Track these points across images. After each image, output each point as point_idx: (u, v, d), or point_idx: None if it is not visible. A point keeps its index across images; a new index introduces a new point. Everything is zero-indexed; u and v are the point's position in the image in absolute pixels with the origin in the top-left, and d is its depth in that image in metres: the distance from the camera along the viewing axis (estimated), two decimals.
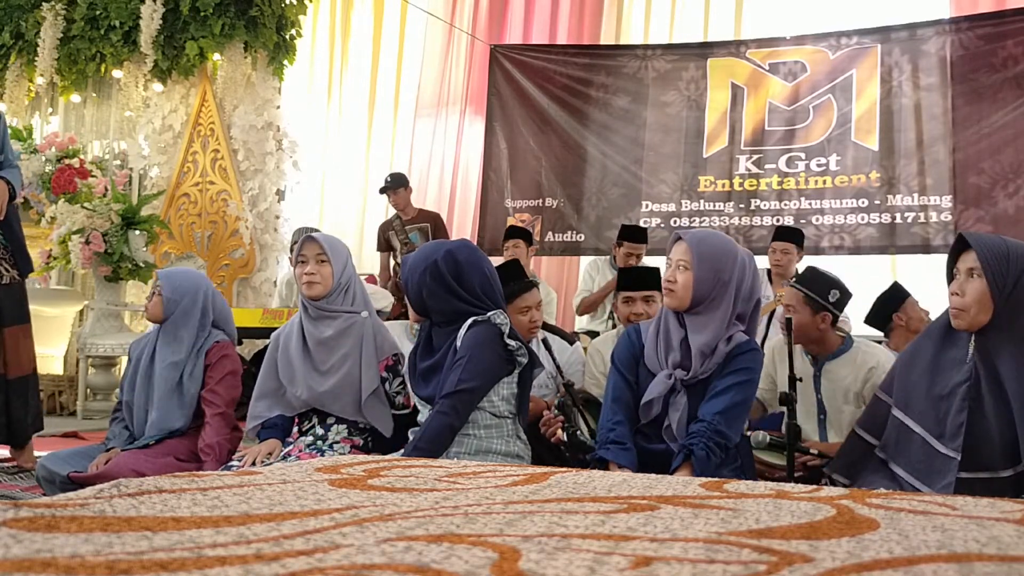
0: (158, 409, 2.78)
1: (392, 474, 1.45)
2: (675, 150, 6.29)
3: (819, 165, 5.95)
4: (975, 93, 5.59)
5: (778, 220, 5.89)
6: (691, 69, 6.33)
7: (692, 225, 6.13)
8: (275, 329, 2.79)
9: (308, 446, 2.52)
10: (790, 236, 4.47)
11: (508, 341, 2.27)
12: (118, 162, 6.45)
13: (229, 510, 1.01)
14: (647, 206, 6.28)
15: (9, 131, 3.78)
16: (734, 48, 6.30)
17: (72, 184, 5.57)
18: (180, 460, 2.71)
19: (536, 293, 2.86)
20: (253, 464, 2.40)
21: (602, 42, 6.97)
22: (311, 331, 2.60)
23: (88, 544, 0.79)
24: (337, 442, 2.54)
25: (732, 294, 2.17)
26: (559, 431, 2.47)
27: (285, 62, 6.16)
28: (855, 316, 4.59)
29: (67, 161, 5.75)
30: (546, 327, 3.44)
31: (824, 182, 5.92)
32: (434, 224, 5.66)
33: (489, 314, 2.28)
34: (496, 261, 2.74)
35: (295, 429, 2.62)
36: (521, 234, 5.05)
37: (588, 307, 5.00)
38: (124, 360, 4.80)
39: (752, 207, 6.06)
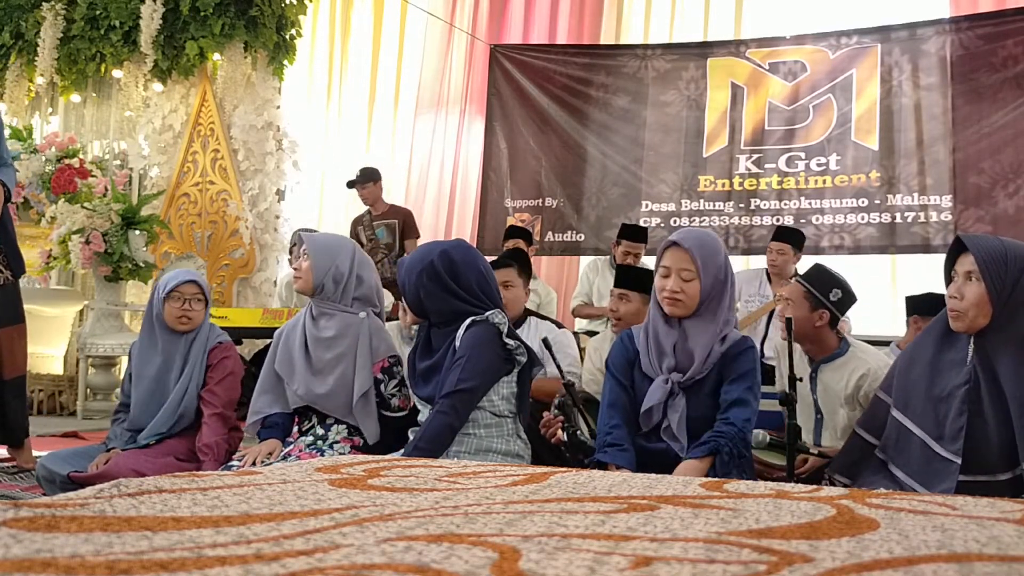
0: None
1: (392, 474, 1.45)
2: (675, 150, 6.30)
3: (819, 165, 5.95)
4: (975, 93, 5.60)
5: (778, 220, 5.89)
6: (691, 69, 6.33)
7: (692, 225, 6.13)
8: (275, 329, 2.80)
9: (308, 446, 2.52)
10: (787, 236, 4.47)
11: (507, 340, 2.28)
12: (118, 162, 6.45)
13: (229, 510, 1.01)
14: (647, 206, 6.29)
15: (7, 131, 3.77)
16: (734, 48, 6.30)
17: (72, 184, 5.57)
18: (180, 460, 2.71)
19: (508, 272, 2.88)
20: (253, 464, 2.41)
21: (602, 42, 6.97)
22: (311, 330, 2.61)
23: (88, 544, 0.79)
24: (337, 442, 2.55)
25: (729, 290, 2.17)
26: (559, 431, 2.47)
27: (285, 62, 6.15)
28: (855, 316, 4.59)
29: (67, 161, 5.75)
30: (537, 316, 3.45)
31: (824, 182, 5.92)
32: (403, 221, 5.56)
33: (487, 314, 2.28)
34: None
35: (295, 429, 2.62)
36: (521, 234, 5.04)
37: (585, 316, 5.00)
38: (124, 360, 4.81)
39: (752, 207, 6.06)
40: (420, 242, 7.23)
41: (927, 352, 2.06)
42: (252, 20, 5.85)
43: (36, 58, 6.20)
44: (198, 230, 5.96)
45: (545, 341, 2.69)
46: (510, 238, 4.97)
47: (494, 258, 3.26)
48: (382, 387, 2.59)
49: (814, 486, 1.54)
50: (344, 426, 2.57)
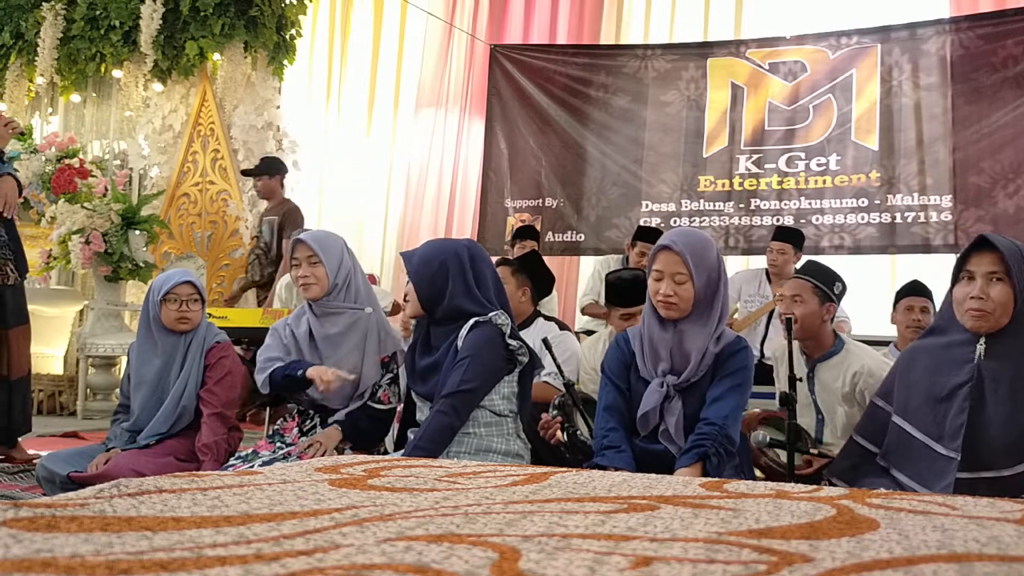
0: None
1: (392, 474, 1.45)
2: (675, 150, 6.29)
3: (819, 165, 5.95)
4: (975, 93, 5.59)
5: (778, 220, 5.89)
6: (691, 69, 6.33)
7: (692, 225, 6.13)
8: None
9: (309, 446, 2.52)
10: (788, 236, 4.47)
11: (509, 341, 2.28)
12: (118, 162, 6.45)
13: (229, 510, 1.01)
14: (647, 206, 6.29)
15: None
16: (734, 48, 6.30)
17: (72, 184, 5.57)
18: (180, 460, 2.70)
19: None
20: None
21: (602, 42, 6.97)
22: (318, 328, 2.61)
23: (88, 544, 0.79)
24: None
25: (722, 289, 2.16)
26: (558, 432, 2.47)
27: (285, 62, 6.16)
28: (855, 316, 4.60)
29: (67, 161, 5.75)
30: (544, 317, 3.46)
31: (824, 182, 5.92)
32: (284, 218, 5.16)
33: (491, 315, 2.28)
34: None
35: (295, 430, 2.62)
36: (532, 234, 5.06)
37: (593, 314, 5.00)
38: (124, 360, 4.80)
39: (752, 207, 6.06)
40: (413, 243, 7.24)
41: (929, 353, 2.04)
42: (252, 20, 5.86)
43: (36, 58, 6.20)
44: (198, 230, 5.96)
45: (545, 341, 2.69)
46: (520, 238, 4.99)
47: (496, 257, 3.27)
48: (383, 380, 2.60)
49: (814, 486, 1.54)
50: None
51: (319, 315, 2.61)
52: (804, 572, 0.78)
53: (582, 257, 6.78)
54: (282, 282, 5.47)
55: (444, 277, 2.31)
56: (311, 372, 2.45)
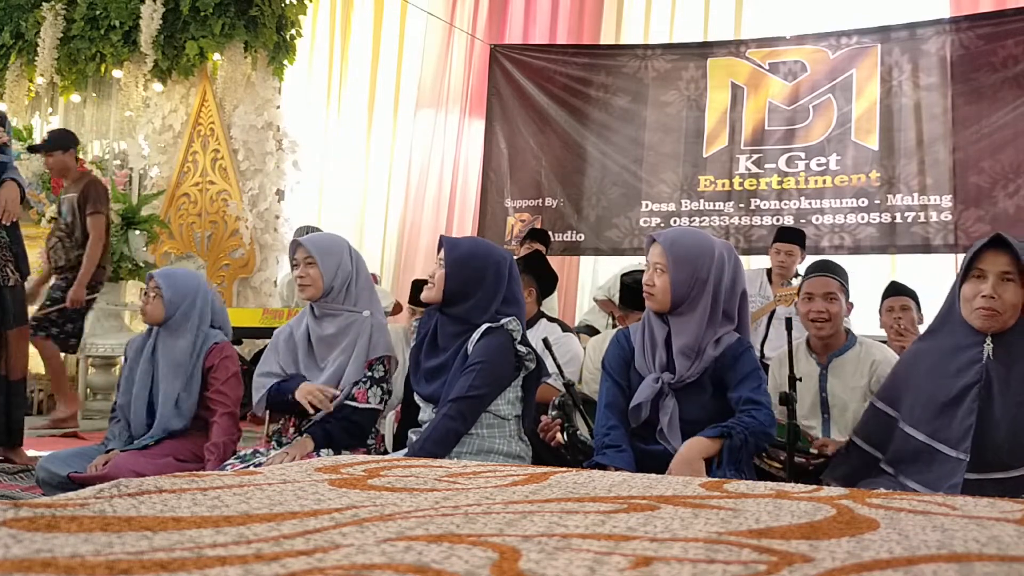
0: (161, 410, 2.78)
1: (392, 474, 1.45)
2: (675, 150, 6.29)
3: (819, 165, 5.95)
4: (975, 93, 5.59)
5: (778, 220, 5.89)
6: (691, 69, 6.33)
7: (692, 225, 6.12)
8: (275, 329, 2.80)
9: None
10: (794, 237, 4.47)
11: (519, 347, 2.28)
12: (118, 162, 6.45)
13: (229, 510, 1.01)
14: (647, 206, 6.29)
15: (11, 131, 3.82)
16: (734, 48, 6.30)
17: None
18: (180, 460, 2.71)
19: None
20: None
21: (602, 42, 6.97)
22: (314, 329, 2.63)
23: (88, 544, 0.79)
24: None
25: (711, 291, 2.14)
26: (558, 434, 2.47)
27: (285, 62, 6.16)
28: (855, 316, 4.59)
29: None
30: (547, 318, 3.47)
31: (824, 182, 5.92)
32: (83, 194, 4.65)
33: (503, 321, 2.28)
34: None
35: (292, 429, 2.62)
36: (543, 238, 5.08)
37: (601, 305, 5.00)
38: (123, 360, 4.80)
39: (752, 207, 6.06)
40: (413, 243, 7.24)
41: (932, 354, 2.03)
42: (252, 20, 5.86)
43: (36, 58, 6.20)
44: (198, 230, 5.96)
45: (545, 341, 2.69)
46: (531, 239, 5.02)
47: None
48: (363, 381, 2.59)
49: (814, 486, 1.54)
50: None
51: (318, 316, 2.64)
52: (804, 572, 0.78)
53: (581, 257, 6.78)
54: (283, 281, 5.48)
55: (479, 282, 2.31)
56: (298, 395, 2.48)
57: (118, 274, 5.39)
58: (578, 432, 2.49)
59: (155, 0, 5.84)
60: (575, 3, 7.15)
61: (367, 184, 7.62)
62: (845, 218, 5.81)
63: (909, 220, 5.66)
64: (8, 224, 3.31)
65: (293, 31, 6.20)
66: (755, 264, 5.62)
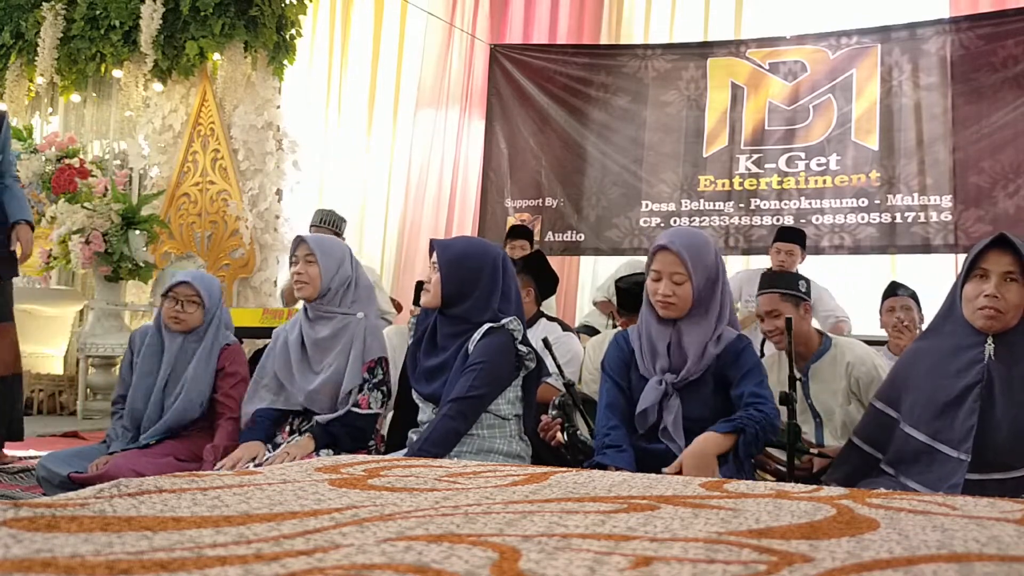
0: (183, 405, 2.78)
1: (392, 474, 1.45)
2: (675, 150, 6.29)
3: (819, 165, 5.95)
4: (975, 93, 5.59)
5: (778, 220, 5.89)
6: (691, 69, 6.33)
7: (692, 225, 6.12)
8: (275, 329, 2.80)
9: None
10: (794, 237, 4.47)
11: (519, 347, 2.28)
12: (118, 162, 6.45)
13: (229, 510, 1.01)
14: (647, 206, 6.28)
15: (10, 132, 3.82)
16: (734, 48, 6.30)
17: (72, 184, 5.57)
18: (180, 460, 2.70)
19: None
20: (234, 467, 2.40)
21: (602, 42, 6.97)
22: (308, 332, 2.61)
23: (88, 544, 0.79)
24: None
25: (721, 288, 2.15)
26: (558, 434, 2.47)
27: (285, 62, 6.15)
28: (855, 316, 4.60)
29: (67, 161, 5.75)
30: (547, 318, 3.47)
31: (824, 182, 5.92)
32: None
33: (503, 320, 2.28)
34: None
35: (287, 428, 2.62)
36: (524, 233, 5.05)
37: (599, 307, 4.99)
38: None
39: (752, 207, 6.06)
40: (413, 243, 7.23)
41: (930, 356, 2.02)
42: (252, 20, 5.86)
43: (36, 58, 6.20)
44: (198, 230, 5.96)
45: (545, 341, 2.69)
46: (512, 238, 4.97)
47: None
48: (365, 386, 2.59)
49: (814, 486, 1.54)
50: None
51: (312, 318, 2.62)
52: (804, 572, 0.78)
53: (581, 257, 6.77)
54: (284, 283, 5.47)
55: (475, 281, 2.31)
56: (227, 463, 2.47)
57: (118, 274, 5.39)
58: (578, 432, 2.49)
59: (155, 0, 5.83)
60: (575, 3, 7.15)
61: (367, 184, 7.62)
62: (845, 218, 5.81)
63: (909, 220, 5.66)
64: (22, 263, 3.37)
65: (293, 31, 6.20)
66: (755, 264, 5.63)
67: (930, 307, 3.68)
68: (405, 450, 2.36)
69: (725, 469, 2.01)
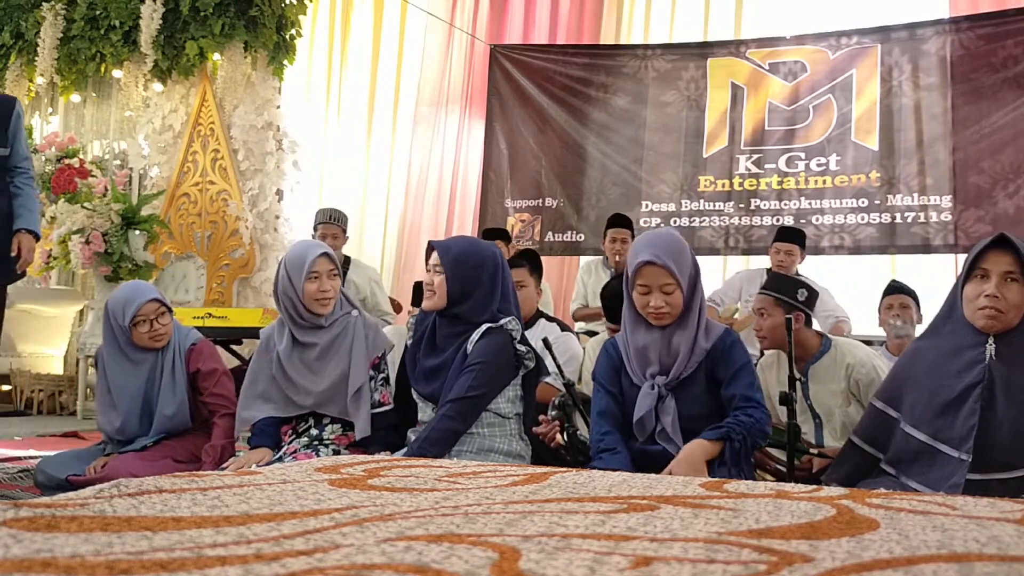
0: (164, 421, 2.77)
1: (392, 474, 1.45)
2: (675, 150, 6.29)
3: (819, 165, 5.95)
4: (975, 93, 5.59)
5: (778, 220, 5.89)
6: (691, 69, 6.33)
7: (692, 225, 6.13)
8: (262, 329, 2.78)
9: (304, 447, 2.52)
10: (794, 237, 4.47)
11: (518, 347, 2.29)
12: (118, 162, 6.45)
13: (229, 510, 1.01)
14: (647, 206, 6.29)
15: (22, 124, 3.84)
16: (734, 48, 6.30)
17: (72, 184, 5.57)
18: (178, 462, 2.69)
19: (520, 272, 2.85)
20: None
21: (602, 42, 6.97)
22: (304, 338, 2.58)
23: (88, 544, 0.79)
24: (331, 440, 2.55)
25: (700, 285, 2.17)
26: (557, 436, 2.47)
27: (285, 62, 6.15)
28: (855, 316, 4.60)
29: (67, 161, 5.75)
30: (546, 318, 3.47)
31: (824, 182, 5.92)
32: None
33: (502, 321, 2.29)
34: None
35: (290, 432, 2.62)
36: (499, 235, 5.06)
37: (583, 318, 5.00)
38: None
39: (752, 207, 6.06)
40: (413, 243, 7.23)
41: (931, 356, 2.02)
42: (252, 20, 5.85)
43: (36, 58, 6.20)
44: (198, 230, 5.95)
45: (545, 341, 2.69)
46: (488, 239, 4.98)
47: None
48: (372, 383, 2.58)
49: (814, 486, 1.54)
50: (339, 425, 2.57)
51: (306, 327, 2.58)
52: (804, 572, 0.78)
53: (581, 257, 6.77)
54: None
55: (477, 280, 2.32)
56: (234, 466, 2.44)
57: (118, 274, 5.38)
58: (578, 432, 2.49)
59: (155, 0, 5.83)
60: (575, 3, 7.15)
61: (367, 184, 7.62)
62: (845, 218, 5.81)
63: (909, 220, 5.66)
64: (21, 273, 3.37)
65: (293, 31, 6.19)
66: (755, 264, 5.63)
67: (930, 307, 3.69)
68: (405, 450, 2.36)
69: (722, 471, 2.01)
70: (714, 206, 6.15)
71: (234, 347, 4.90)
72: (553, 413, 2.54)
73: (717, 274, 5.98)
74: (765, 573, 0.77)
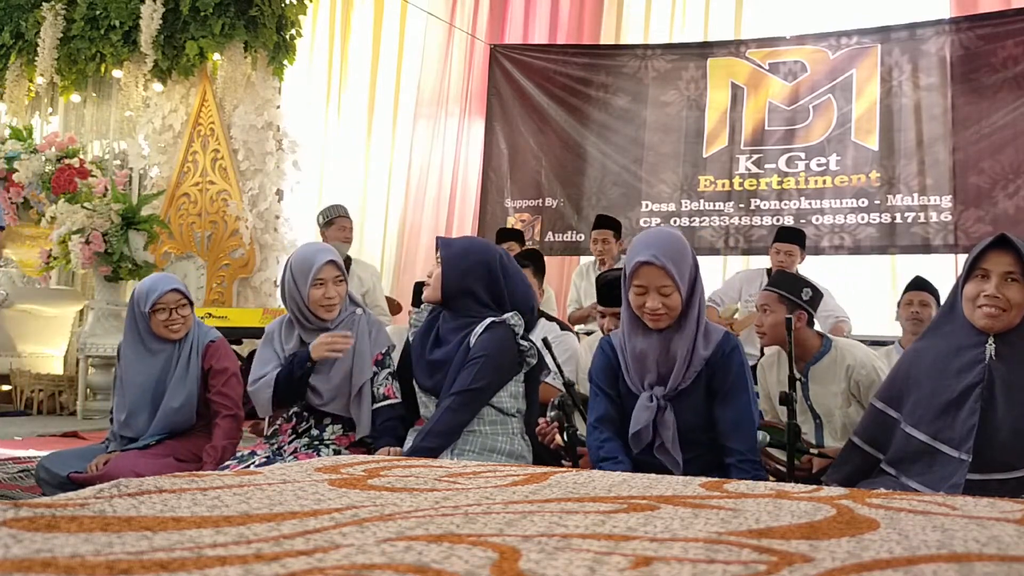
0: (169, 415, 2.77)
1: (392, 474, 1.45)
2: (675, 150, 6.30)
3: (819, 165, 5.95)
4: (975, 93, 5.59)
5: (778, 220, 5.89)
6: (691, 69, 6.33)
7: (692, 225, 6.13)
8: (266, 327, 2.78)
9: (305, 447, 2.52)
10: (794, 237, 4.47)
11: (520, 342, 2.30)
12: (118, 162, 6.45)
13: (229, 510, 1.01)
14: (647, 206, 6.29)
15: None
16: (734, 48, 6.30)
17: (72, 184, 5.57)
18: (180, 460, 2.69)
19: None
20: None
21: (602, 42, 6.97)
22: (311, 340, 2.58)
23: (88, 544, 0.79)
24: (332, 440, 2.55)
25: (700, 289, 2.07)
26: (556, 437, 2.46)
27: (285, 62, 6.16)
28: (855, 316, 4.60)
29: (67, 161, 5.75)
30: (547, 317, 3.47)
31: (824, 182, 5.92)
32: None
33: (505, 316, 2.30)
34: None
35: (290, 432, 2.62)
36: (513, 235, 5.06)
37: (577, 321, 5.01)
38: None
39: (752, 207, 6.06)
40: (413, 243, 7.23)
41: (931, 355, 2.01)
42: (252, 20, 5.86)
43: (36, 58, 6.20)
44: (198, 230, 5.96)
45: (545, 341, 2.69)
46: (501, 241, 4.97)
47: None
48: (375, 378, 2.58)
49: (814, 486, 1.54)
50: (339, 424, 2.57)
51: (312, 329, 2.59)
52: (804, 572, 0.78)
53: (581, 257, 6.77)
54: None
55: (476, 278, 2.34)
56: (316, 355, 2.46)
57: (118, 274, 5.39)
58: (578, 432, 2.48)
59: (155, 0, 5.83)
60: (575, 3, 7.15)
61: (367, 184, 7.62)
62: (845, 218, 5.82)
63: (909, 220, 5.67)
64: None
65: (293, 31, 6.20)
66: (755, 264, 5.63)
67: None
68: (407, 447, 2.36)
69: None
70: (714, 206, 6.15)
71: (234, 347, 4.91)
72: (552, 414, 2.53)
73: (717, 274, 5.98)
74: (765, 573, 0.77)
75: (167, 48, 5.93)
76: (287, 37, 6.14)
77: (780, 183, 6.00)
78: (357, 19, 7.90)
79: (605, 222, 4.85)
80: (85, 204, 5.28)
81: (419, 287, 3.46)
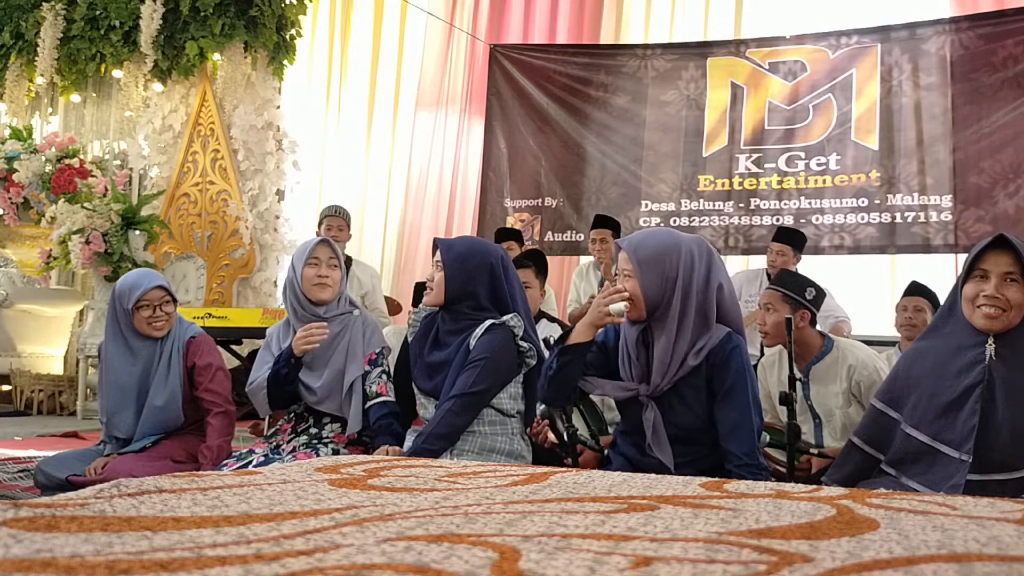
0: (154, 414, 2.76)
1: (392, 474, 1.45)
2: (674, 149, 6.29)
3: (819, 164, 5.95)
4: (975, 93, 5.59)
5: (778, 220, 5.89)
6: (691, 68, 6.33)
7: (691, 225, 6.13)
8: (268, 328, 2.79)
9: (304, 445, 2.52)
10: (788, 238, 4.47)
11: (520, 343, 2.30)
12: (118, 162, 6.45)
13: (229, 510, 1.01)
14: (647, 205, 6.29)
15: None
16: (734, 47, 6.30)
17: (72, 184, 5.57)
18: (177, 462, 2.68)
19: (526, 273, 2.85)
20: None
21: (602, 42, 6.97)
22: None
23: (88, 544, 0.79)
24: (331, 439, 2.55)
25: (682, 290, 2.04)
26: (549, 435, 2.46)
27: (285, 62, 6.15)
28: (855, 316, 4.60)
29: (67, 161, 5.75)
30: (548, 318, 3.47)
31: (824, 181, 5.92)
32: None
33: (505, 317, 2.30)
34: None
35: (290, 432, 2.62)
36: (513, 235, 5.06)
37: (577, 320, 5.01)
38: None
39: (752, 206, 6.06)
40: (413, 244, 7.23)
41: (931, 356, 2.01)
42: (252, 20, 5.86)
43: (36, 58, 6.20)
44: (198, 230, 5.96)
45: (546, 341, 2.70)
46: (501, 240, 4.97)
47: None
48: (367, 376, 2.58)
49: (814, 486, 1.54)
50: (338, 423, 2.58)
51: (309, 318, 2.60)
52: (804, 572, 0.78)
53: (582, 258, 6.77)
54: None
55: (477, 279, 2.35)
56: (296, 350, 2.47)
57: (118, 274, 5.38)
58: (578, 432, 2.48)
59: (155, 0, 5.83)
60: (575, 3, 7.15)
61: (367, 184, 7.62)
62: (845, 218, 5.82)
63: (909, 220, 5.66)
64: None
65: (293, 31, 6.20)
66: (755, 264, 5.62)
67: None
68: (407, 448, 2.36)
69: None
70: (714, 206, 6.15)
71: (234, 347, 4.90)
72: (542, 408, 2.52)
73: None
74: (765, 573, 0.77)
75: (167, 48, 5.93)
76: (287, 37, 6.14)
77: (780, 183, 6.00)
78: (357, 19, 7.90)
79: (604, 222, 4.85)
80: (85, 204, 5.28)
81: (420, 288, 3.47)
